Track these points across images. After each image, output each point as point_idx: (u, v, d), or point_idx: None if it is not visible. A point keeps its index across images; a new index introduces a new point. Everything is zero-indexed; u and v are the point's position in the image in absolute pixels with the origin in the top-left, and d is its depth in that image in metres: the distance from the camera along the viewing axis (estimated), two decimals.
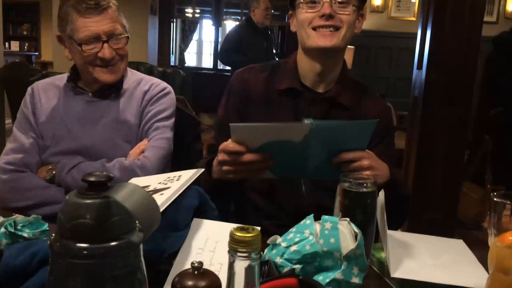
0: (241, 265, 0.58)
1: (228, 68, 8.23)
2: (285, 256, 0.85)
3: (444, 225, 2.65)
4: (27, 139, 1.41)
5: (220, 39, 8.17)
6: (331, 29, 1.23)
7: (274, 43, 5.60)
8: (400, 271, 0.93)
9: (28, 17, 9.48)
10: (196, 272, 0.67)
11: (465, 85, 2.63)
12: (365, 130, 1.07)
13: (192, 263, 0.68)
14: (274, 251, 0.87)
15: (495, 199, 0.86)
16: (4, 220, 0.97)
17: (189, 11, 8.39)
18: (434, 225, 2.59)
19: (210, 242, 0.89)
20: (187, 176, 0.99)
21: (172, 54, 7.85)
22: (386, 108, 1.42)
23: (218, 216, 1.01)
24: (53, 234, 0.54)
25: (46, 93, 1.48)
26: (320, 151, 1.05)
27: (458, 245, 1.11)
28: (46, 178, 1.36)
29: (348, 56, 3.16)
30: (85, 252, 0.52)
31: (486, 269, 0.89)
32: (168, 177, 1.03)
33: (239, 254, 0.57)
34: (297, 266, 0.84)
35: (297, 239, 0.85)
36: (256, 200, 1.34)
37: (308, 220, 0.89)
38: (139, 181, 1.13)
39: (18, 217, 1.00)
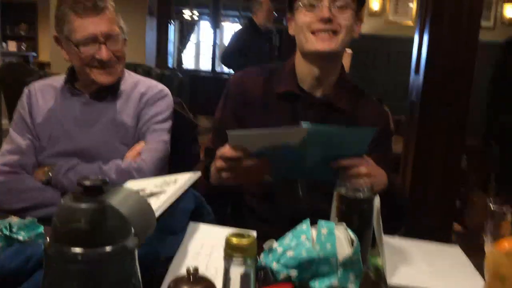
0: (236, 271, 0.58)
1: (225, 70, 8.25)
2: (281, 261, 0.85)
3: (441, 230, 2.65)
4: (23, 140, 1.40)
5: (218, 41, 8.17)
6: (330, 33, 1.23)
7: (277, 46, 5.59)
8: (396, 277, 0.93)
9: (25, 17, 9.44)
10: (191, 278, 0.67)
11: (462, 90, 2.63)
12: (364, 137, 1.07)
13: (188, 268, 0.68)
14: (270, 256, 0.87)
15: (491, 207, 0.86)
16: None
17: (187, 12, 8.40)
18: (431, 230, 2.59)
19: (206, 246, 0.88)
20: (184, 179, 0.99)
21: (170, 55, 7.85)
22: (384, 113, 1.42)
23: (214, 220, 1.00)
24: (48, 238, 0.54)
25: (43, 94, 1.47)
26: (318, 154, 1.05)
27: (455, 251, 1.11)
28: (43, 180, 1.35)
29: (346, 60, 3.16)
30: (80, 257, 0.51)
31: (483, 276, 0.89)
32: (165, 180, 1.03)
33: (234, 260, 0.57)
34: (293, 272, 0.84)
35: (293, 244, 0.85)
36: (253, 203, 1.34)
37: (304, 225, 0.88)
38: (135, 183, 1.13)
39: (14, 219, 1.00)
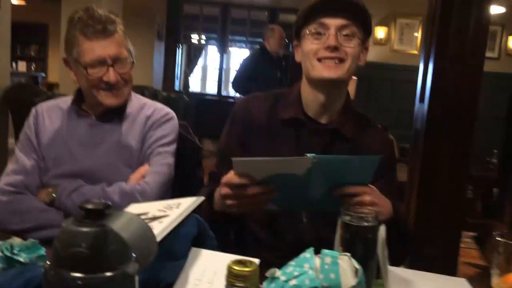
0: None
1: (231, 94, 8.31)
2: None
3: (445, 261, 2.61)
4: (28, 161, 1.41)
5: (224, 65, 8.25)
6: (336, 61, 1.24)
7: (288, 72, 5.61)
8: None
9: (36, 38, 9.61)
10: None
11: (467, 119, 2.63)
12: (368, 165, 1.06)
13: None
14: (273, 285, 0.85)
15: (497, 239, 0.85)
16: (0, 244, 0.96)
17: (195, 37, 8.51)
18: (435, 261, 2.55)
19: (208, 273, 0.87)
20: (187, 204, 0.98)
21: (177, 79, 7.92)
22: (389, 141, 1.42)
23: (217, 246, 0.99)
24: (48, 262, 0.53)
25: (49, 115, 1.48)
26: (323, 184, 1.05)
27: (461, 284, 1.08)
28: (46, 201, 1.35)
29: (351, 87, 3.17)
30: (79, 282, 0.51)
31: None
32: (168, 204, 1.02)
33: None
34: None
35: (296, 273, 0.83)
36: (256, 230, 1.33)
37: (308, 253, 0.87)
38: (138, 207, 1.12)
39: (16, 240, 0.99)
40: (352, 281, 0.79)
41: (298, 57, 1.34)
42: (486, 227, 4.17)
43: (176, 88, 7.82)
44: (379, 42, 6.42)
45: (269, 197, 1.05)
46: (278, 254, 1.24)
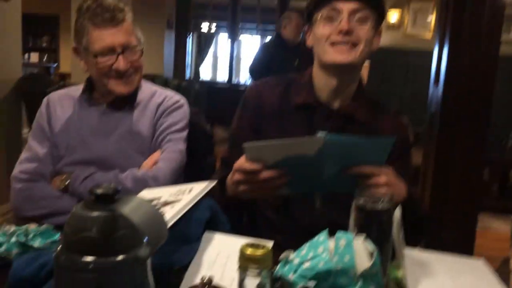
0: (251, 283, 0.56)
1: (242, 81, 8.27)
2: (298, 273, 0.82)
3: (462, 243, 2.58)
4: (41, 149, 1.42)
5: (235, 53, 8.21)
6: (349, 45, 1.21)
7: (307, 60, 5.49)
8: None
9: (48, 29, 9.67)
10: (205, 287, 0.65)
11: (483, 102, 2.59)
12: (382, 147, 1.04)
13: (202, 278, 0.66)
14: (286, 268, 0.85)
15: None
16: (15, 230, 0.97)
17: (205, 25, 8.47)
18: (452, 244, 2.53)
19: (221, 256, 0.87)
20: (199, 188, 0.98)
21: (188, 67, 7.91)
22: (403, 124, 1.39)
23: (230, 229, 0.99)
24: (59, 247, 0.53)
25: (61, 103, 1.49)
26: (336, 165, 1.03)
27: (479, 265, 1.07)
28: (60, 187, 1.36)
29: (364, 72, 3.14)
30: (91, 266, 0.50)
31: None
32: (180, 189, 1.02)
33: (249, 271, 0.56)
34: (310, 284, 0.81)
35: (310, 256, 0.83)
36: (270, 214, 1.32)
37: (322, 236, 0.86)
38: (150, 192, 1.12)
39: (31, 226, 1.00)
40: (367, 263, 0.78)
41: (309, 42, 1.32)
42: (502, 209, 4.13)
43: (187, 76, 7.81)
44: (392, 27, 6.33)
45: (282, 182, 1.03)
46: (291, 237, 1.24)
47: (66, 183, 1.35)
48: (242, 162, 1.03)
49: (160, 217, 0.57)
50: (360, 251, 0.79)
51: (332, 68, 1.26)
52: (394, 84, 6.37)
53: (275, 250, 0.60)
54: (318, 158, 0.99)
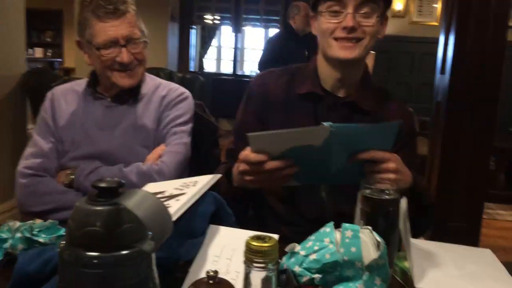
0: (257, 276, 0.56)
1: (246, 73, 8.24)
2: (304, 265, 0.82)
3: (468, 233, 2.57)
4: (46, 144, 1.41)
5: (239, 45, 8.18)
6: (353, 41, 1.20)
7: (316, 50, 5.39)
8: (424, 282, 0.89)
9: (51, 24, 9.67)
10: (211, 281, 0.65)
11: (490, 90, 2.57)
12: (388, 132, 1.03)
13: (207, 272, 0.66)
14: (292, 260, 0.84)
15: None
16: (20, 225, 0.97)
17: (208, 17, 8.44)
18: (458, 233, 2.52)
19: (226, 250, 0.86)
20: (204, 181, 0.97)
21: (192, 60, 7.90)
22: (409, 113, 1.38)
23: (235, 222, 0.98)
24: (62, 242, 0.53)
25: (65, 98, 1.48)
26: (342, 155, 1.02)
27: (486, 255, 1.06)
28: (65, 182, 1.36)
29: (369, 61, 3.11)
30: (95, 260, 0.50)
31: None
32: (185, 183, 1.02)
33: (255, 264, 0.55)
34: (317, 276, 0.81)
35: (316, 248, 0.82)
36: (275, 206, 1.31)
37: (328, 228, 0.85)
38: (155, 186, 1.12)
39: (37, 221, 1.00)
40: (374, 254, 0.78)
41: (314, 30, 1.30)
42: (509, 199, 4.11)
43: (191, 69, 7.79)
44: (397, 15, 6.27)
45: (288, 173, 1.02)
46: (297, 229, 1.23)
47: (71, 178, 1.35)
48: (247, 152, 1.02)
49: (165, 211, 0.56)
50: (366, 242, 0.79)
51: (335, 62, 1.25)
52: (400, 73, 6.33)
53: (281, 242, 0.59)
54: (324, 148, 0.98)
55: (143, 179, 1.27)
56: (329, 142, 0.97)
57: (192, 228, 0.86)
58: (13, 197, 1.46)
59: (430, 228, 1.33)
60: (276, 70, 1.38)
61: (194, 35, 8.07)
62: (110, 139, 1.41)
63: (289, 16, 4.43)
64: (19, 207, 1.35)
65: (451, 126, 2.63)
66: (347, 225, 0.82)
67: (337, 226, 0.86)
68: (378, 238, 0.80)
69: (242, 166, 1.04)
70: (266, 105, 1.32)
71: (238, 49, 8.16)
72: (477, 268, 0.98)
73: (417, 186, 1.13)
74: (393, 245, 0.90)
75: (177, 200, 0.88)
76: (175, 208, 0.83)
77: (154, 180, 1.27)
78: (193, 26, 7.91)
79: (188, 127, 1.47)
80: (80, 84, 1.51)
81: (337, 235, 0.82)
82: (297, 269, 0.82)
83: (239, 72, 8.20)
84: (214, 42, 8.88)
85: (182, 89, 1.53)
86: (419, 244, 1.06)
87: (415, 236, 1.00)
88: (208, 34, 8.66)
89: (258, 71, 4.86)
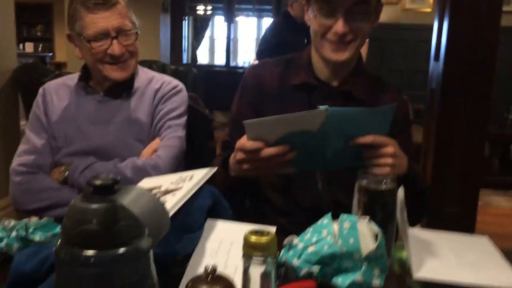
0: (256, 271, 0.55)
1: (240, 64, 8.21)
2: (303, 257, 0.82)
3: (463, 220, 2.59)
4: (39, 140, 1.40)
5: (232, 36, 8.13)
6: (345, 42, 1.19)
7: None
8: (422, 271, 0.89)
9: (41, 18, 9.56)
10: (209, 277, 0.64)
11: (484, 77, 2.56)
12: (384, 116, 1.03)
13: (206, 267, 0.65)
14: (291, 252, 0.84)
15: None
16: (15, 224, 0.96)
17: (200, 8, 8.37)
18: (454, 220, 2.53)
19: (224, 244, 0.86)
20: (200, 175, 0.97)
21: (184, 51, 7.85)
22: (403, 101, 1.38)
23: (232, 214, 0.98)
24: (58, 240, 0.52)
25: (57, 93, 1.46)
26: (339, 139, 1.01)
27: (483, 242, 1.06)
28: (59, 179, 1.34)
29: (363, 49, 3.09)
30: (92, 259, 0.49)
31: None
32: (181, 177, 1.01)
33: (254, 259, 0.54)
34: (315, 268, 0.81)
35: (314, 240, 0.82)
36: (272, 197, 1.31)
37: (326, 219, 0.85)
38: (151, 181, 1.11)
39: (32, 219, 0.99)
40: (372, 245, 0.78)
41: (307, 19, 1.29)
42: (503, 185, 4.13)
43: (184, 61, 7.75)
44: (390, 2, 6.24)
45: (286, 159, 1.01)
46: (295, 220, 1.23)
47: (65, 174, 1.33)
48: (243, 141, 1.01)
49: (161, 206, 0.56)
50: (364, 233, 0.79)
51: (328, 61, 1.25)
52: (393, 61, 6.32)
53: (279, 233, 0.59)
54: (321, 133, 0.97)
55: (139, 174, 1.26)
56: (326, 126, 0.96)
57: (189, 222, 0.86)
58: (7, 195, 1.45)
59: (425, 215, 1.33)
60: (270, 61, 1.37)
61: (186, 27, 8.01)
62: (103, 134, 1.40)
63: (288, 3, 4.39)
64: (14, 205, 1.33)
65: (445, 112, 2.63)
66: (344, 216, 0.82)
67: (335, 215, 0.85)
68: (376, 229, 0.80)
69: (239, 155, 1.03)
70: (261, 96, 1.31)
71: (231, 40, 8.11)
72: (475, 256, 0.98)
73: (412, 172, 1.12)
74: (390, 235, 0.90)
75: (174, 195, 0.88)
76: (172, 203, 0.83)
77: (150, 175, 1.26)
78: (185, 17, 7.86)
79: (183, 120, 1.46)
80: (72, 79, 1.49)
81: (335, 226, 0.82)
82: (295, 261, 0.82)
83: (232, 64, 8.16)
84: (207, 33, 8.82)
85: (175, 81, 1.51)
86: (417, 234, 1.07)
87: (411, 224, 1.00)
88: (200, 25, 8.61)
89: (253, 62, 4.82)
